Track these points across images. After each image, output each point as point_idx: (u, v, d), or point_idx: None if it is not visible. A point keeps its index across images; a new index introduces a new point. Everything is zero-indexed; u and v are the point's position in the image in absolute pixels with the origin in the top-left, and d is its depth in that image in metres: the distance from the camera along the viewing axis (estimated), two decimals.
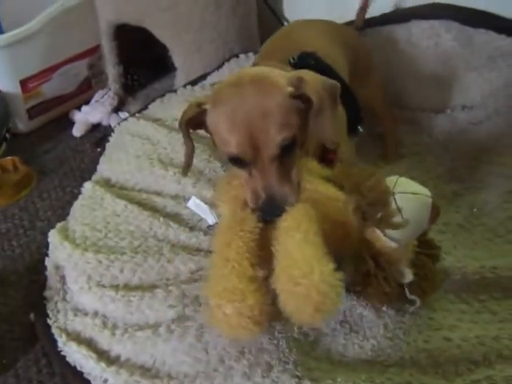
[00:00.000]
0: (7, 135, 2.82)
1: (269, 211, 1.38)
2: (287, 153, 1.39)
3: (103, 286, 1.78)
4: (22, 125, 2.97)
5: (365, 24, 2.60)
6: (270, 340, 1.49)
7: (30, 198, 2.49)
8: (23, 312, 1.88)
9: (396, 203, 1.41)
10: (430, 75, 2.61)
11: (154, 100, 2.64)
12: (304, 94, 1.41)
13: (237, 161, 1.41)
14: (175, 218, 2.00)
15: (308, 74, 1.45)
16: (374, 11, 2.65)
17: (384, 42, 2.66)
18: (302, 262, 1.25)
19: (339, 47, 2.11)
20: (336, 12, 2.81)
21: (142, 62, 3.13)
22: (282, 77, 1.44)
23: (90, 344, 1.66)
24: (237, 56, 2.71)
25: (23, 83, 2.86)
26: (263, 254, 1.36)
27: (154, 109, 2.58)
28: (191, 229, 1.95)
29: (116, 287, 1.77)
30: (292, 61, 1.76)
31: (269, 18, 3.11)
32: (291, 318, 1.30)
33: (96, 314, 1.74)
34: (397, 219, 1.40)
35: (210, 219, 1.91)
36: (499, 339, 1.49)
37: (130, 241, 1.92)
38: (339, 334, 1.53)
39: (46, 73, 2.95)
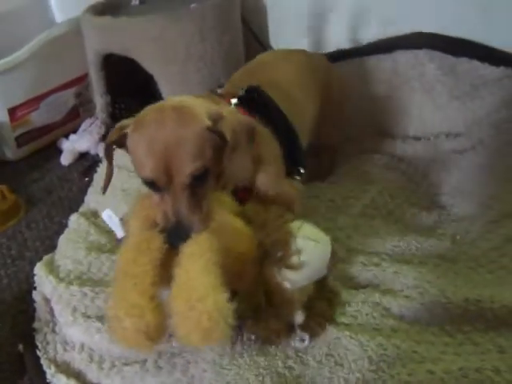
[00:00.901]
0: None
1: (175, 235, 1.41)
2: (199, 183, 1.45)
3: (88, 318, 1.79)
4: (11, 153, 2.99)
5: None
6: (255, 377, 1.52)
7: (18, 227, 2.49)
8: (10, 343, 1.88)
9: (296, 246, 1.48)
10: (414, 104, 2.64)
11: None
12: (219, 130, 1.46)
13: (151, 184, 1.45)
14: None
15: (228, 112, 1.52)
16: (330, 46, 2.72)
17: (369, 72, 2.69)
18: (199, 287, 1.30)
19: (311, 81, 2.17)
20: (318, 42, 2.87)
21: (130, 91, 3.11)
22: (202, 109, 1.49)
23: (78, 377, 1.67)
24: (222, 86, 2.68)
25: (11, 111, 2.88)
26: (165, 275, 1.38)
27: None
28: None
29: (101, 318, 1.78)
30: (240, 93, 1.83)
31: (255, 47, 3.13)
32: (180, 340, 1.35)
33: (83, 346, 1.75)
34: (294, 260, 1.47)
35: (119, 233, 1.92)
36: (482, 370, 1.49)
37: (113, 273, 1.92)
38: (324, 367, 1.54)
39: (34, 101, 2.98)
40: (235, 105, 1.78)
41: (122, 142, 1.53)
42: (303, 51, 2.37)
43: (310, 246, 1.51)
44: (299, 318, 1.56)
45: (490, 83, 2.57)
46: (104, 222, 1.96)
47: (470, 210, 2.16)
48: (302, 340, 1.59)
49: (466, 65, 2.62)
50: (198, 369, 1.59)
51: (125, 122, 1.54)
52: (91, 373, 1.67)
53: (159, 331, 1.34)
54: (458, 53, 2.63)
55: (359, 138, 2.60)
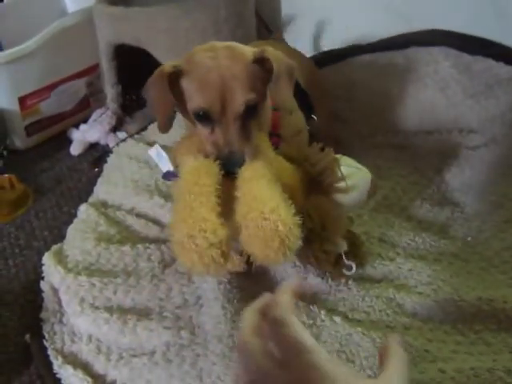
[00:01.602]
0: (4, 152, 2.84)
1: (230, 162, 1.46)
2: (249, 115, 1.51)
3: (97, 308, 1.79)
4: (20, 142, 2.97)
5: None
6: None
7: (27, 216, 2.47)
8: (18, 333, 1.87)
9: (341, 172, 1.57)
10: (427, 101, 2.61)
11: (152, 121, 2.65)
12: (266, 61, 1.52)
13: (202, 116, 1.51)
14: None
15: (271, 49, 1.57)
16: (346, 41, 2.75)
17: (382, 69, 2.67)
18: (269, 201, 1.33)
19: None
20: (332, 38, 2.88)
21: (141, 81, 3.04)
22: (248, 48, 1.59)
23: (86, 368, 1.66)
24: None
25: (22, 100, 2.85)
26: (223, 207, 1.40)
27: (154, 130, 2.58)
28: None
29: (110, 309, 1.78)
30: None
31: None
32: (255, 255, 1.35)
33: (90, 337, 1.74)
34: (343, 185, 1.57)
35: (167, 167, 1.87)
36: (493, 371, 1.48)
37: (123, 265, 1.94)
38: None
39: (45, 90, 2.95)
40: None
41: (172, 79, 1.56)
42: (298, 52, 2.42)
43: (354, 172, 1.61)
44: (344, 246, 1.65)
45: (504, 82, 2.54)
46: (150, 157, 1.97)
47: (481, 209, 2.14)
48: (350, 267, 1.68)
49: (481, 63, 2.59)
50: (207, 362, 1.58)
51: (169, 62, 1.58)
52: (98, 364, 1.67)
53: (229, 249, 1.36)
54: (473, 51, 2.60)
55: (371, 134, 2.57)
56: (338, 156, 1.63)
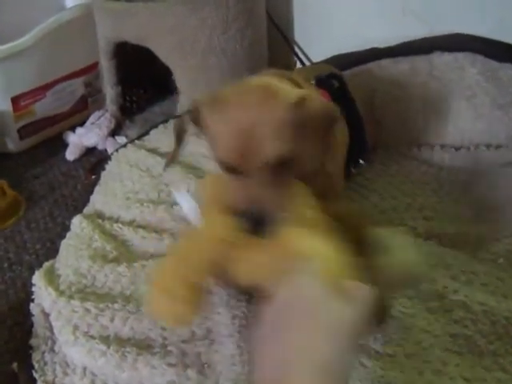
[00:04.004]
0: None
1: (251, 220, 1.31)
2: (280, 168, 1.34)
3: (91, 338, 1.62)
4: (12, 145, 2.86)
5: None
6: None
7: (17, 227, 2.34)
8: (4, 360, 1.70)
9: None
10: (452, 111, 2.48)
11: (156, 126, 2.52)
12: (304, 113, 1.37)
13: (227, 166, 1.38)
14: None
15: (312, 95, 1.45)
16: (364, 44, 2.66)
17: (404, 74, 2.53)
18: None
19: None
20: (348, 41, 2.77)
21: (142, 83, 3.03)
22: (286, 91, 1.42)
23: None
24: None
25: (15, 101, 2.75)
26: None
27: (157, 135, 2.46)
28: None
29: (106, 339, 1.61)
30: (316, 79, 1.83)
31: (279, 44, 3.01)
32: None
33: (84, 370, 1.57)
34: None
35: (192, 218, 1.75)
36: None
37: (120, 288, 1.79)
38: None
39: (40, 90, 2.84)
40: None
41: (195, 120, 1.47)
42: None
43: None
44: None
45: None
46: (176, 202, 1.84)
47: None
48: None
49: (509, 71, 2.45)
50: None
51: (200, 99, 1.45)
52: None
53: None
54: (501, 58, 2.47)
55: (393, 145, 2.46)
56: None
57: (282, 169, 1.34)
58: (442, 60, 2.50)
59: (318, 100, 1.46)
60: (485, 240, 1.98)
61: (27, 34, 2.67)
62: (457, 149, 2.43)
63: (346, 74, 2.42)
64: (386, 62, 2.55)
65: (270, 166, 1.32)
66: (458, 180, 2.29)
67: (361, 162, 1.93)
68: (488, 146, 2.41)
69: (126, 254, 1.89)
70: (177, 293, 1.26)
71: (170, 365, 1.52)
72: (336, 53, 2.66)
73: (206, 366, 1.52)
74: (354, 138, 1.85)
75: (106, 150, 2.78)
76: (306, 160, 1.42)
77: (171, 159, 1.62)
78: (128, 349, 1.56)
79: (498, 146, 2.40)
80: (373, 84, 2.50)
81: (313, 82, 1.79)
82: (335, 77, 1.87)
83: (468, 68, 2.47)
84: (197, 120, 1.45)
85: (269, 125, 1.31)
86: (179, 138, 1.56)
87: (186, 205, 1.78)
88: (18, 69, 2.71)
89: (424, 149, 2.45)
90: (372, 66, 2.56)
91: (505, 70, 2.45)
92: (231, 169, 1.36)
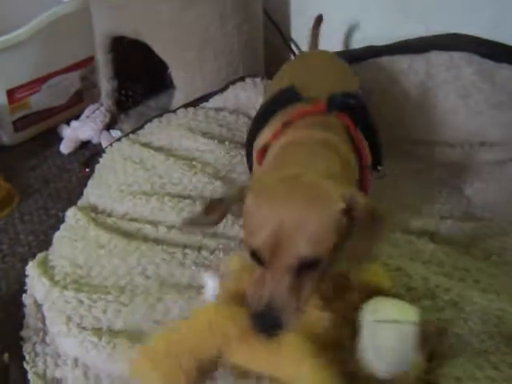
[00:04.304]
0: None
1: (262, 321, 1.27)
2: (307, 271, 1.28)
3: (84, 329, 1.61)
4: (7, 137, 2.85)
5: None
6: None
7: (11, 219, 2.34)
8: None
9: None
10: (447, 110, 2.49)
11: (150, 120, 2.49)
12: (353, 214, 1.31)
13: (255, 256, 1.30)
14: (167, 251, 1.85)
15: (360, 195, 1.35)
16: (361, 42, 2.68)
17: (400, 72, 2.55)
18: None
19: None
20: (345, 39, 2.84)
21: (137, 77, 3.03)
22: (335, 190, 1.32)
23: None
24: (243, 79, 2.55)
25: (10, 93, 2.74)
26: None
27: (151, 129, 2.43)
28: (182, 264, 1.81)
29: (99, 331, 1.60)
30: (331, 102, 1.71)
31: (275, 40, 3.02)
32: None
33: (76, 361, 1.56)
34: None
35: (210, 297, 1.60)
36: None
37: (115, 278, 1.78)
38: None
39: (35, 83, 2.84)
40: (331, 110, 1.69)
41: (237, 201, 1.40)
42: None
43: (389, 330, 1.32)
44: None
45: None
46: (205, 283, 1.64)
47: (506, 227, 2.01)
48: None
49: (505, 71, 2.45)
50: None
51: (244, 185, 1.43)
52: None
53: None
54: (498, 58, 2.47)
55: (388, 142, 2.43)
56: (377, 302, 1.38)
57: (307, 270, 1.28)
58: (438, 59, 2.50)
59: (365, 199, 1.36)
60: (477, 237, 1.99)
61: (23, 27, 2.66)
62: (451, 146, 2.45)
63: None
64: (383, 60, 2.56)
65: (294, 265, 1.26)
66: (451, 177, 2.31)
67: (379, 167, 1.86)
68: (482, 144, 2.42)
69: (120, 245, 1.87)
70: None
71: None
72: (332, 50, 2.66)
73: None
74: (373, 153, 1.80)
75: (100, 144, 2.78)
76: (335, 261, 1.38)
77: (192, 223, 1.57)
78: (120, 341, 1.55)
79: (492, 145, 2.41)
80: (370, 81, 2.49)
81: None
82: (350, 96, 1.78)
83: (464, 68, 2.47)
84: (239, 202, 1.38)
85: (310, 226, 1.26)
86: (220, 214, 1.46)
87: (211, 284, 1.62)
88: (13, 61, 2.70)
89: (419, 146, 2.47)
90: (369, 63, 2.57)
91: (500, 70, 2.45)
92: (257, 258, 1.31)
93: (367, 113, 1.81)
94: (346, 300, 1.40)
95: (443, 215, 2.09)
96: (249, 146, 1.89)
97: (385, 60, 2.55)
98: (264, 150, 1.68)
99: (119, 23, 2.67)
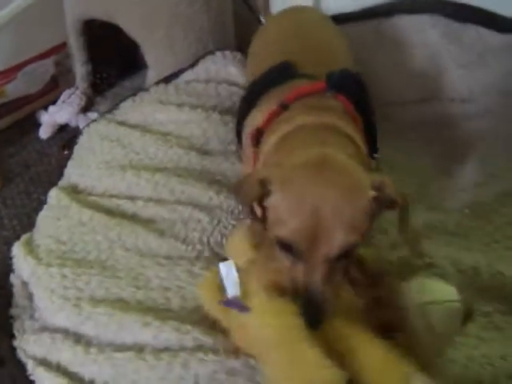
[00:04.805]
0: None
1: (311, 315, 1.25)
2: (343, 258, 1.27)
3: (68, 300, 1.66)
4: None
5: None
6: None
7: None
8: None
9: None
10: (416, 71, 2.56)
11: (125, 99, 2.52)
12: (381, 204, 1.31)
13: (286, 247, 1.28)
14: (147, 224, 1.90)
15: (388, 180, 1.33)
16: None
17: (368, 37, 2.61)
18: None
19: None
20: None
21: (111, 59, 3.03)
22: (365, 176, 1.32)
23: (60, 367, 1.54)
24: (212, 53, 2.57)
25: None
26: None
27: (126, 109, 2.46)
28: (162, 234, 1.86)
29: (81, 301, 1.66)
30: (330, 82, 1.67)
31: (245, 13, 2.99)
32: None
33: (67, 332, 1.61)
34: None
35: (232, 292, 1.52)
36: (507, 358, 1.41)
37: (97, 253, 1.82)
38: None
39: (10, 72, 2.82)
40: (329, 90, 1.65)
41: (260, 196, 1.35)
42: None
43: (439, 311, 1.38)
44: None
45: (497, 51, 2.50)
46: (219, 273, 1.59)
47: (479, 180, 2.08)
48: None
49: (471, 32, 2.54)
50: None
51: (263, 173, 1.37)
52: (75, 360, 1.53)
53: None
54: (463, 19, 2.54)
55: None
56: (420, 283, 1.45)
57: (344, 256, 1.27)
58: (404, 23, 2.57)
59: (393, 188, 1.33)
60: (447, 191, 2.05)
61: None
62: (422, 101, 2.51)
63: None
64: (349, 27, 2.59)
65: (334, 255, 1.25)
66: (421, 134, 2.37)
67: (375, 156, 1.80)
68: (452, 100, 2.48)
69: (101, 221, 1.91)
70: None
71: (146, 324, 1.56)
72: None
73: None
74: (370, 138, 1.75)
75: (78, 127, 2.78)
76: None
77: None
78: (102, 309, 1.61)
79: (462, 101, 2.47)
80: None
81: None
82: (350, 76, 1.74)
83: (430, 30, 2.54)
84: (261, 195, 1.34)
85: (347, 214, 1.24)
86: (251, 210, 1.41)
87: (228, 276, 1.62)
88: None
89: (390, 106, 2.51)
90: (349, 27, 2.60)
91: (467, 31, 2.53)
92: (288, 249, 1.28)
93: (366, 93, 1.78)
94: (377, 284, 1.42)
95: (413, 172, 2.17)
96: (238, 124, 1.89)
97: (351, 27, 2.60)
98: (258, 132, 1.65)
99: (89, 6, 2.68)
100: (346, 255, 1.26)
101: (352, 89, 1.69)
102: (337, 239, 1.22)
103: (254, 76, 1.91)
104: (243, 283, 1.40)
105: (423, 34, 2.54)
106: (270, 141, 1.56)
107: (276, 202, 1.29)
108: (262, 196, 1.32)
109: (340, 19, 2.57)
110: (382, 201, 1.29)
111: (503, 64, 2.46)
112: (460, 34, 2.53)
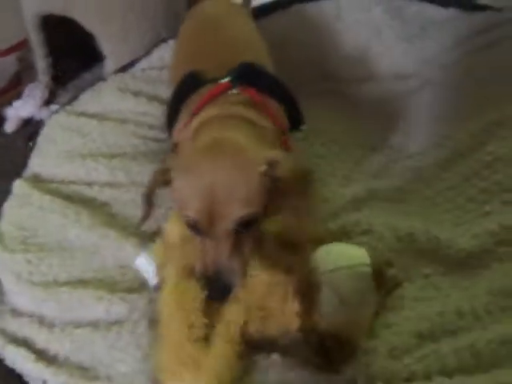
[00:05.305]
0: None
1: (215, 289, 1.37)
2: (245, 230, 1.37)
3: (33, 285, 1.77)
4: None
5: None
6: None
7: None
8: None
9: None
10: (361, 48, 2.62)
11: (84, 90, 2.58)
12: (275, 176, 1.40)
13: (193, 227, 1.39)
14: (102, 207, 2.01)
15: (282, 156, 1.43)
16: None
17: (312, 19, 2.66)
18: None
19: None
20: None
21: (71, 52, 3.09)
22: (257, 153, 1.41)
23: (27, 344, 1.65)
24: (165, 41, 2.65)
25: None
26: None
27: (85, 99, 2.53)
28: (116, 215, 1.97)
29: (46, 285, 1.77)
30: (230, 77, 1.77)
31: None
32: None
33: (32, 313, 1.72)
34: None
35: (153, 282, 1.70)
36: (444, 314, 1.47)
37: (57, 237, 1.91)
38: None
39: None
40: (234, 86, 1.75)
41: (165, 181, 1.47)
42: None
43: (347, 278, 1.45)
44: None
45: (438, 24, 2.56)
46: (137, 268, 1.74)
47: (420, 149, 2.14)
48: None
49: (414, 7, 2.61)
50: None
51: (166, 163, 1.48)
52: (40, 338, 1.65)
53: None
54: None
55: (304, 82, 2.50)
56: (327, 249, 1.51)
57: (245, 229, 1.36)
58: (348, 2, 2.64)
59: (289, 162, 1.43)
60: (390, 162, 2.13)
61: None
62: (364, 80, 2.58)
63: (262, 22, 2.55)
64: (295, 9, 2.68)
65: (232, 228, 1.34)
66: (367, 110, 2.44)
67: (303, 127, 1.94)
68: (396, 77, 2.54)
69: (60, 206, 1.99)
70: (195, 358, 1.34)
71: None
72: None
73: None
74: (291, 112, 1.88)
75: (41, 120, 2.82)
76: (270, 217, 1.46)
77: (144, 219, 1.58)
78: (63, 289, 1.73)
79: (405, 77, 2.53)
80: (283, 32, 2.63)
81: (227, 79, 1.77)
82: (249, 68, 1.83)
83: (374, 8, 2.61)
84: (166, 181, 1.46)
85: (238, 189, 1.34)
86: (149, 199, 1.53)
87: (145, 268, 1.72)
88: None
89: (333, 84, 2.59)
90: (282, 13, 2.68)
91: (410, 6, 2.61)
92: (195, 228, 1.38)
93: (267, 76, 1.88)
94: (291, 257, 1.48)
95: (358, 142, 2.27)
96: (167, 129, 2.00)
97: (294, 9, 2.69)
98: (175, 146, 1.79)
99: (46, 2, 2.76)
100: (247, 227, 1.36)
101: (255, 78, 1.80)
102: (231, 213, 1.33)
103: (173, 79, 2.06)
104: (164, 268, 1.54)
105: (367, 12, 2.62)
106: (182, 144, 1.70)
107: (177, 186, 1.42)
108: (166, 183, 1.45)
109: (281, 3, 2.70)
110: (273, 175, 1.39)
111: (444, 37, 2.51)
112: (402, 8, 2.60)
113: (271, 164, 1.38)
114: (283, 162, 1.40)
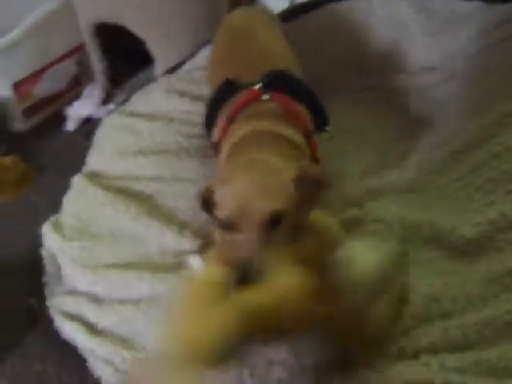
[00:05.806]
0: (6, 135, 2.99)
1: (245, 274, 1.40)
2: (275, 225, 1.49)
3: (86, 268, 2.01)
4: (19, 124, 3.10)
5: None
6: None
7: (29, 193, 2.58)
8: (24, 296, 2.07)
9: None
10: (388, 42, 2.73)
11: (135, 92, 2.77)
12: (304, 180, 1.55)
13: (228, 225, 1.52)
14: (147, 200, 2.20)
15: (309, 165, 1.63)
16: None
17: (344, 16, 2.78)
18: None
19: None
20: None
21: (126, 55, 3.26)
22: (285, 164, 1.57)
23: (80, 319, 1.90)
24: (210, 42, 2.71)
25: (16, 86, 2.98)
26: None
27: (136, 100, 2.71)
28: (157, 207, 2.16)
29: (96, 268, 2.01)
30: (261, 84, 1.90)
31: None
32: None
33: (85, 293, 1.97)
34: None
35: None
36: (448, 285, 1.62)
37: (108, 227, 2.12)
38: None
39: (37, 74, 3.07)
40: (265, 93, 1.87)
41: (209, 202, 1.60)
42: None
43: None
44: None
45: (462, 17, 2.65)
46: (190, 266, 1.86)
47: (440, 141, 2.23)
48: None
49: (437, 2, 2.71)
50: None
51: (209, 183, 1.61)
52: (91, 314, 1.90)
53: None
54: None
55: (339, 78, 2.70)
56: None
57: (275, 226, 1.48)
58: None
59: (312, 171, 1.58)
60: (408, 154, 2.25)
61: (20, 26, 2.89)
62: (395, 74, 2.70)
63: (297, 23, 2.70)
64: (326, 8, 2.80)
65: (264, 222, 1.46)
66: (395, 103, 2.57)
67: (327, 128, 2.03)
68: (421, 70, 2.66)
69: (112, 199, 2.20)
70: None
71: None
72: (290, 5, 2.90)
73: None
74: (317, 115, 1.98)
75: (99, 118, 2.95)
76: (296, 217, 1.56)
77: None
78: (113, 270, 1.97)
79: (431, 69, 2.65)
80: (320, 33, 2.77)
81: (258, 86, 1.89)
82: (280, 76, 1.94)
83: (400, 1, 2.73)
84: (209, 199, 1.59)
85: (267, 189, 1.49)
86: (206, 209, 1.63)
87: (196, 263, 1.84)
88: (15, 58, 2.93)
89: (368, 79, 2.73)
90: (317, 13, 2.80)
91: (433, 1, 2.72)
92: (230, 227, 1.50)
93: (297, 82, 1.99)
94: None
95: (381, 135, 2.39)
96: (206, 130, 2.14)
97: (327, 8, 2.81)
98: (215, 145, 1.95)
99: (98, 12, 2.95)
100: (277, 224, 1.49)
101: (285, 85, 1.92)
102: (261, 207, 1.46)
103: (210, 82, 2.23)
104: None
105: (394, 5, 2.73)
106: (221, 154, 1.85)
107: (217, 196, 1.56)
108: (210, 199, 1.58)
109: (314, 3, 2.81)
110: (304, 180, 1.55)
111: (468, 30, 2.60)
112: (427, 3, 2.70)
113: (300, 172, 1.55)
114: (309, 170, 1.56)
